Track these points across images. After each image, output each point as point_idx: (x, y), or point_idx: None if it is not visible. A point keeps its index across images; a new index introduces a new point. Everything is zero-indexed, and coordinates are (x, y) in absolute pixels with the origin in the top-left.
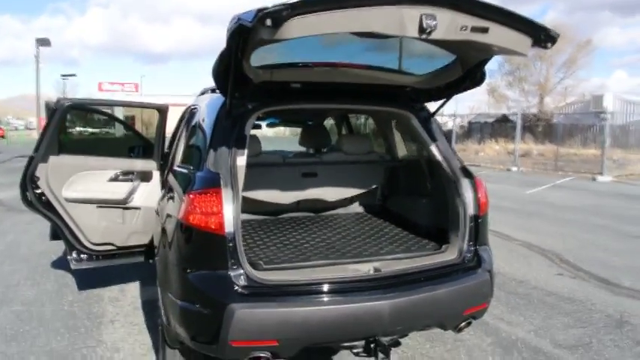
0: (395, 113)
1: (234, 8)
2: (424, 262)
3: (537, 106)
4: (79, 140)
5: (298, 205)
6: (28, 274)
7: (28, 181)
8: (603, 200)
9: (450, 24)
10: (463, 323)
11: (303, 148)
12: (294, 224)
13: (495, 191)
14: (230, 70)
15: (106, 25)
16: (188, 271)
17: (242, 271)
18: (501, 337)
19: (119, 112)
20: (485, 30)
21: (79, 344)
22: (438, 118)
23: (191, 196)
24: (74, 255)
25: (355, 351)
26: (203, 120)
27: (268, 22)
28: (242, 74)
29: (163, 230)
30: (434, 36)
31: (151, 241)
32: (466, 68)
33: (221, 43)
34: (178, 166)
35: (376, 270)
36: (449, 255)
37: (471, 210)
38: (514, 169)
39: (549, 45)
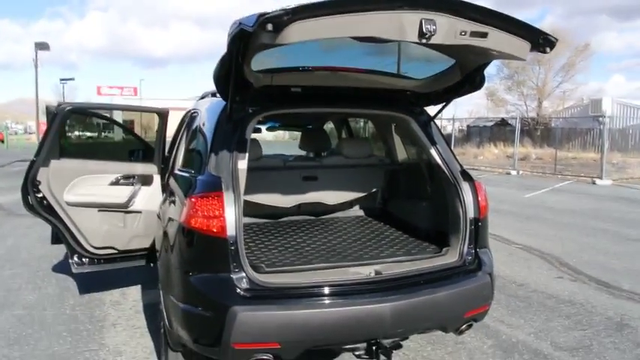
0: (395, 117)
1: (232, 12)
2: (425, 265)
3: (536, 109)
4: (79, 144)
5: (299, 209)
6: (29, 278)
7: (30, 185)
8: (603, 204)
9: (449, 29)
10: (464, 326)
11: (303, 152)
12: (295, 227)
13: (494, 195)
14: (231, 74)
15: (105, 29)
16: (190, 274)
17: (244, 274)
18: (502, 339)
19: (118, 116)
20: (484, 35)
21: (82, 347)
22: (437, 121)
23: (193, 199)
24: (76, 259)
25: (357, 353)
26: (204, 124)
27: (269, 26)
28: (243, 78)
29: (165, 234)
30: (433, 41)
31: (152, 244)
32: (465, 72)
33: (220, 48)
34: (179, 170)
35: (377, 273)
36: (449, 258)
37: (471, 213)
38: (513, 172)
39: (548, 49)
